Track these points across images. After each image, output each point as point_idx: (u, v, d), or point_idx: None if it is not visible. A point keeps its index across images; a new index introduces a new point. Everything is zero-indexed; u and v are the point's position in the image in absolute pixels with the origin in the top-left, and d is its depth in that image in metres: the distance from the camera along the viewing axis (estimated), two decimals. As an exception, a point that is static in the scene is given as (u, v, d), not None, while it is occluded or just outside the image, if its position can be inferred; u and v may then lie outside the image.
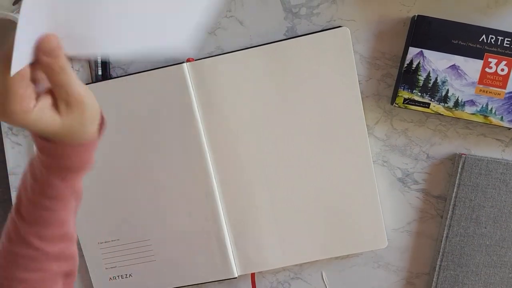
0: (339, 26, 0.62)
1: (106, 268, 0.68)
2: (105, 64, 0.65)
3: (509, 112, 0.60)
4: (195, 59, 0.64)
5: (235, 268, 0.67)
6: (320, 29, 0.63)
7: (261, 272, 0.69)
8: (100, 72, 0.65)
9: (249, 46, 0.64)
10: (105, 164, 0.65)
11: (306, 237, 0.66)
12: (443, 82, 0.60)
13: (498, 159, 0.63)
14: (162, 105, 0.63)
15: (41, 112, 0.38)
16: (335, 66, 0.62)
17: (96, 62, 0.65)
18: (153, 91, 0.63)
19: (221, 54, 0.63)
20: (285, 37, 0.64)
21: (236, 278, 0.67)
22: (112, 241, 0.67)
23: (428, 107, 0.61)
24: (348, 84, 0.62)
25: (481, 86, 0.60)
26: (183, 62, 0.63)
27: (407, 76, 0.61)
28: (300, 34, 0.64)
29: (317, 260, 0.67)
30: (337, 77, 0.62)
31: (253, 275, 0.68)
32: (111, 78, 0.65)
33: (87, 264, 0.68)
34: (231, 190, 0.65)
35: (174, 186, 0.65)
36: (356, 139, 0.63)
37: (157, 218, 0.66)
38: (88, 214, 0.65)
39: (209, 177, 0.65)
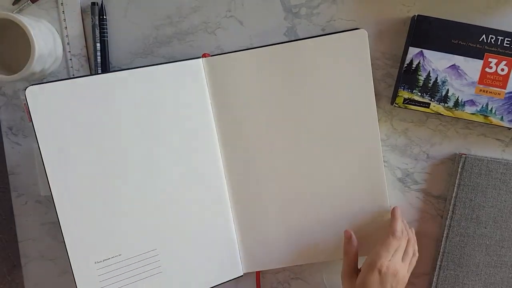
0: (357, 28, 0.62)
1: None
2: (105, 64, 0.65)
3: (509, 112, 0.60)
4: (210, 55, 0.64)
5: (241, 266, 0.66)
6: (333, 31, 0.63)
7: (261, 272, 0.69)
8: (100, 72, 0.65)
9: (250, 47, 0.64)
10: (105, 166, 0.60)
11: (313, 238, 0.65)
12: (443, 82, 0.60)
13: (498, 159, 0.63)
14: (174, 101, 0.61)
15: None
16: (350, 68, 0.61)
17: (96, 62, 0.65)
18: (166, 86, 0.61)
19: (237, 51, 0.62)
20: (286, 37, 0.64)
21: (242, 276, 0.66)
22: (112, 257, 0.60)
23: (428, 107, 0.61)
24: (362, 87, 0.62)
25: (481, 86, 0.60)
26: (198, 57, 0.62)
27: (407, 76, 0.61)
28: (299, 34, 0.64)
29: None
30: (352, 79, 0.62)
31: (258, 273, 0.67)
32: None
33: None
34: (241, 189, 0.64)
35: (183, 187, 0.63)
36: (368, 142, 0.62)
37: (164, 224, 0.62)
38: (83, 229, 0.59)
39: (220, 176, 0.64)
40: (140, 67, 0.60)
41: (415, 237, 0.62)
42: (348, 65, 0.61)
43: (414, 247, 0.61)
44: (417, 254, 0.61)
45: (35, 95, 0.57)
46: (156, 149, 0.61)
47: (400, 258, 0.58)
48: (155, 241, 0.62)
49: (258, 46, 0.63)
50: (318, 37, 0.62)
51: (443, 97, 0.61)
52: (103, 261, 0.60)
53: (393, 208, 0.62)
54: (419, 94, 0.61)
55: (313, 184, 0.64)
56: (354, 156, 0.63)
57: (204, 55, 0.63)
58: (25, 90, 0.57)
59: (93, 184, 0.59)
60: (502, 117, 0.60)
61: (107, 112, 0.59)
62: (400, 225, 0.59)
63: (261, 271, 0.69)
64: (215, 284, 0.65)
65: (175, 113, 0.62)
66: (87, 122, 0.59)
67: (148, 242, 0.61)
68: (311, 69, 0.62)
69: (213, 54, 0.65)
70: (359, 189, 0.64)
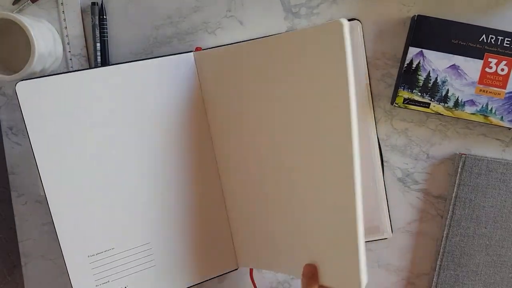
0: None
1: (96, 286, 0.60)
2: (105, 64, 0.65)
3: (509, 112, 0.60)
4: (202, 48, 0.63)
5: (236, 260, 0.65)
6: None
7: (261, 271, 0.69)
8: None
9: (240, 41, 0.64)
10: (97, 160, 0.59)
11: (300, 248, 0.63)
12: (443, 82, 0.60)
13: (498, 159, 0.63)
14: (167, 95, 0.61)
15: None
16: (326, 65, 0.50)
17: (96, 62, 0.65)
18: (160, 79, 0.60)
19: (223, 45, 0.62)
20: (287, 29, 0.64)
21: (237, 269, 0.66)
22: (105, 251, 0.60)
23: (428, 107, 0.61)
24: (338, 91, 0.49)
25: (481, 86, 0.60)
26: (190, 51, 0.62)
27: (407, 76, 0.61)
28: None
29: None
30: (326, 79, 0.50)
31: (251, 271, 0.67)
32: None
33: (72, 284, 0.59)
34: (234, 185, 0.64)
35: (176, 180, 0.62)
36: (340, 148, 0.51)
37: (158, 218, 0.62)
38: (77, 223, 0.59)
39: (213, 170, 0.63)
40: (130, 61, 0.60)
41: None
42: (323, 61, 0.51)
43: None
44: None
45: (25, 91, 0.56)
46: (148, 143, 0.61)
47: None
48: (148, 235, 0.62)
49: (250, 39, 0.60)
50: (299, 30, 0.59)
51: (443, 97, 0.61)
52: (96, 254, 0.60)
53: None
54: (419, 94, 0.61)
55: (297, 187, 0.56)
56: (327, 166, 0.53)
57: (196, 49, 0.63)
58: (15, 86, 0.56)
59: (85, 179, 0.59)
60: (502, 117, 0.60)
61: (97, 106, 0.59)
62: None
63: (259, 272, 0.68)
64: (209, 278, 0.65)
65: (168, 107, 0.61)
66: (77, 117, 0.58)
67: (141, 236, 0.61)
68: (285, 66, 0.54)
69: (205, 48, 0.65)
70: (325, 201, 0.53)
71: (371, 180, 0.65)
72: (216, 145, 0.63)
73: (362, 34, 0.62)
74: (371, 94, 0.65)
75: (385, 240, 0.67)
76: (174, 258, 0.63)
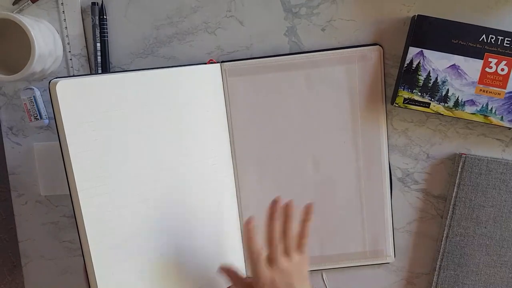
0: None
1: None
2: (105, 64, 0.65)
3: (509, 112, 0.60)
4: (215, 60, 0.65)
5: (245, 271, 0.68)
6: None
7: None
8: (100, 72, 0.65)
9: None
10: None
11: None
12: (443, 82, 0.60)
13: (498, 159, 0.63)
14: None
15: None
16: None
17: (96, 62, 0.65)
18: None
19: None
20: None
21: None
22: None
23: (428, 107, 0.61)
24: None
25: (481, 86, 0.60)
26: (204, 63, 0.64)
27: (407, 76, 0.61)
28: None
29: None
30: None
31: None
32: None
33: None
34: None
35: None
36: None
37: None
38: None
39: (230, 181, 0.66)
40: (165, 67, 0.60)
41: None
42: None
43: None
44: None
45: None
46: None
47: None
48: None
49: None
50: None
51: (443, 97, 0.61)
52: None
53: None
54: (419, 94, 0.61)
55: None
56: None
57: (209, 61, 0.64)
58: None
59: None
60: (502, 117, 0.60)
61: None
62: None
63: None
64: None
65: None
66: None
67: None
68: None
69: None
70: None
71: (379, 205, 0.66)
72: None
73: (383, 60, 0.63)
74: (387, 121, 0.65)
75: (385, 240, 0.67)
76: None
